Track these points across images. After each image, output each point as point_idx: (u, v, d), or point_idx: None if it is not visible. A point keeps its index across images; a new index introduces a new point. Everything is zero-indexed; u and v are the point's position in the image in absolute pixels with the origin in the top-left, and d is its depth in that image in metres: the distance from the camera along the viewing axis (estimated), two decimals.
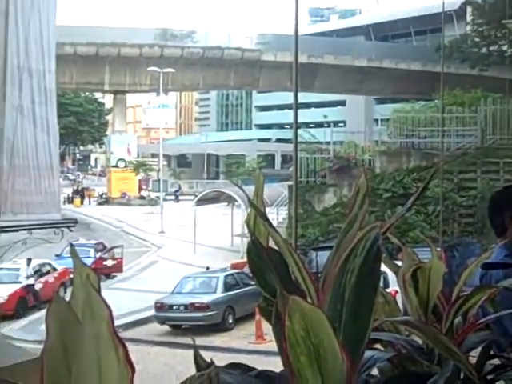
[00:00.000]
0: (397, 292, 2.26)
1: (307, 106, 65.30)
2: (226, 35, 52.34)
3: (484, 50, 38.94)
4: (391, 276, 2.30)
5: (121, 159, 55.36)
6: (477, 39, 38.99)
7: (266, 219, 1.88)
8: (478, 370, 1.89)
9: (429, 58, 46.15)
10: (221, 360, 1.85)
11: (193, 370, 1.57)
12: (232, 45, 51.30)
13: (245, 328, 18.42)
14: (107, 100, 76.15)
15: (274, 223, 25.27)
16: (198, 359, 1.64)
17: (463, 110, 27.07)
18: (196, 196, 35.54)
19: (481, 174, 24.87)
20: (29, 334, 17.32)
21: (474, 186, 24.84)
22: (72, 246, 1.65)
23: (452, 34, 44.30)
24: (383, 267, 2.33)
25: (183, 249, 31.59)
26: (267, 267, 1.87)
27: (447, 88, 27.37)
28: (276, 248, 1.83)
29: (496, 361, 2.05)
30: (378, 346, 2.02)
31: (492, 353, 2.06)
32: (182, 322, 18.68)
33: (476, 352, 2.03)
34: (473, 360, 1.98)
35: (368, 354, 1.76)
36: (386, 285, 10.32)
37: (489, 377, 1.94)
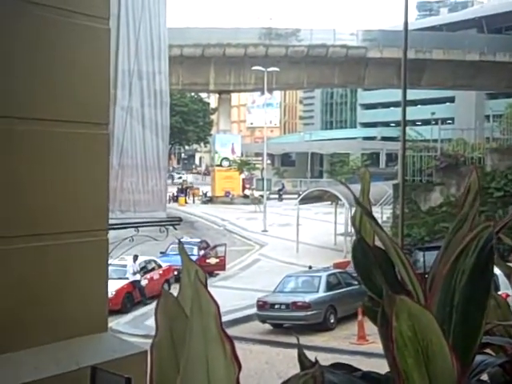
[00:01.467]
0: (508, 295, 2.18)
1: (414, 103, 64.04)
2: (330, 33, 52.10)
3: None
4: (501, 278, 2.23)
5: (225, 158, 56.14)
6: None
7: (373, 217, 1.86)
8: None
9: None
10: (322, 360, 1.84)
11: (294, 369, 1.58)
12: (337, 42, 51.01)
13: (346, 328, 18.29)
14: (212, 100, 77.50)
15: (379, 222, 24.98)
16: (302, 358, 1.64)
17: None
18: (299, 195, 35.56)
19: None
20: (135, 328, 17.87)
21: None
22: (180, 242, 1.70)
23: None
24: (494, 269, 2.27)
25: (286, 248, 31.70)
26: (372, 266, 1.85)
27: None
28: (382, 247, 1.81)
29: None
30: (488, 350, 1.96)
31: None
32: (283, 321, 18.75)
33: None
34: None
35: (478, 358, 1.71)
36: (497, 287, 10.03)
37: None
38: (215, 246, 28.13)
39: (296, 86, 60.43)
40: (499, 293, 2.61)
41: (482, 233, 1.59)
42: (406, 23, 4.02)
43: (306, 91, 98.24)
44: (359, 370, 1.81)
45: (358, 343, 16.21)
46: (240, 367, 1.19)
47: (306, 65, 51.01)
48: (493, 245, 1.57)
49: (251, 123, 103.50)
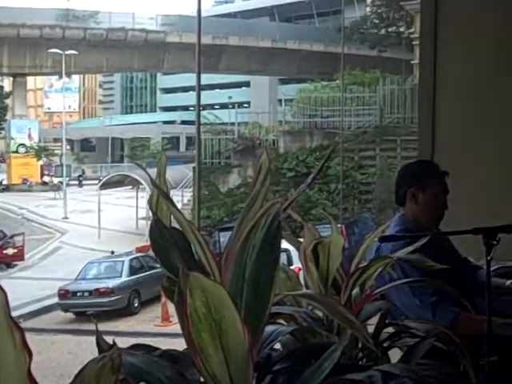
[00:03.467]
0: (300, 269, 2.30)
1: (212, 87, 65.05)
2: (129, 16, 51.31)
3: (383, 31, 39.92)
4: (295, 254, 2.34)
5: (21, 144, 53.57)
6: (376, 21, 39.92)
7: (169, 199, 1.87)
8: (375, 338, 1.96)
9: (331, 39, 46.84)
10: (126, 344, 1.83)
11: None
12: (136, 26, 50.38)
13: (151, 311, 18.31)
14: (6, 83, 73.36)
15: (179, 205, 25.16)
16: (100, 342, 1.63)
17: (363, 89, 27.69)
18: (100, 180, 34.89)
19: (379, 152, 25.57)
20: None
21: (373, 163, 25.53)
22: None
23: (353, 16, 45.12)
24: (287, 245, 2.38)
25: (87, 234, 30.99)
26: (170, 247, 1.86)
27: (348, 68, 27.95)
28: (179, 228, 1.82)
29: (392, 329, 2.14)
30: (281, 321, 2.05)
31: (388, 321, 2.14)
32: (86, 309, 18.34)
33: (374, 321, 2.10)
34: (371, 329, 2.06)
35: (271, 328, 1.79)
36: (290, 262, 10.48)
37: (385, 344, 2.02)
38: (12, 236, 26.82)
39: (95, 69, 58.95)
40: (293, 267, 2.74)
41: (270, 209, 1.65)
42: (199, 9, 4.07)
43: (105, 75, 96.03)
44: (158, 349, 1.82)
45: (162, 325, 16.28)
46: (31, 357, 1.15)
47: (105, 48, 49.87)
48: (280, 220, 1.63)
49: (49, 108, 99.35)
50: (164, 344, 1.96)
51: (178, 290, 1.65)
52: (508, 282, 3.24)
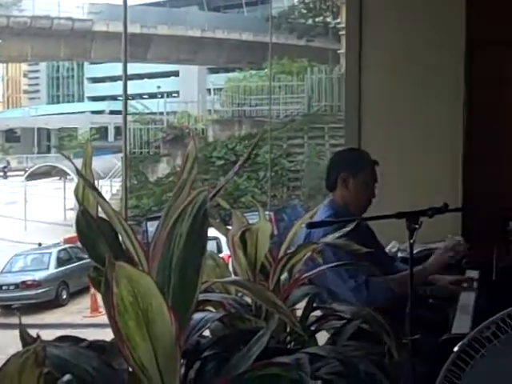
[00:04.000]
0: (229, 256, 2.31)
1: (141, 76, 64.28)
2: (54, 4, 50.04)
3: (310, 21, 40.22)
4: (224, 242, 2.34)
5: None
6: (304, 11, 40.17)
7: (95, 189, 1.84)
8: (303, 322, 1.99)
9: (259, 28, 46.84)
10: (53, 337, 1.79)
11: None
12: (62, 14, 49.20)
13: (80, 302, 18.05)
14: None
15: (108, 195, 24.85)
16: (24, 335, 1.59)
17: (291, 78, 27.89)
18: (26, 171, 34.06)
19: (307, 140, 25.82)
20: None
21: (302, 151, 25.78)
22: None
23: (281, 6, 45.28)
24: (217, 233, 2.38)
25: (13, 226, 30.21)
26: (97, 237, 1.84)
27: (276, 57, 28.09)
28: (106, 218, 1.80)
29: (320, 312, 2.17)
30: (211, 308, 2.05)
31: (315, 305, 2.17)
32: (12, 302, 17.89)
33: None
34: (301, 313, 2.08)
35: (199, 315, 1.79)
36: (220, 250, 10.49)
37: (313, 327, 2.05)
38: None
39: (19, 58, 57.26)
40: (222, 254, 2.74)
41: (197, 197, 1.65)
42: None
43: (30, 64, 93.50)
44: (85, 340, 1.79)
45: (91, 316, 16.08)
46: None
47: (29, 37, 48.49)
48: (206, 208, 1.63)
49: None
50: (94, 335, 1.94)
51: (104, 279, 1.63)
52: None
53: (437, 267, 3.08)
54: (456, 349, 2.02)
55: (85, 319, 16.14)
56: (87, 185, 1.85)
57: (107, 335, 1.80)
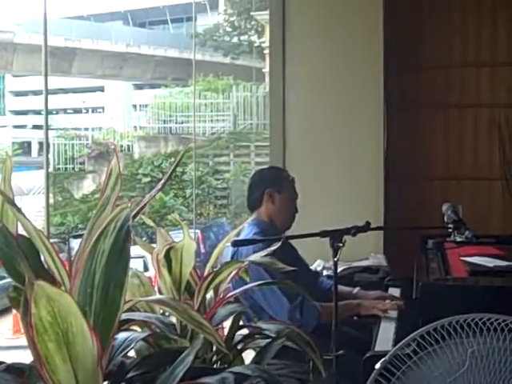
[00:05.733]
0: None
1: (65, 91, 63.18)
2: None
3: (235, 39, 40.53)
4: (151, 261, 2.31)
5: None
6: (229, 29, 40.46)
7: (15, 205, 1.78)
8: (229, 341, 1.97)
9: (185, 45, 46.88)
10: None
11: None
12: None
13: (1, 323, 17.48)
14: None
15: (33, 212, 24.24)
16: None
17: (217, 96, 27.98)
18: None
19: (233, 158, 25.93)
20: None
21: (228, 169, 25.87)
22: None
23: (206, 23, 45.47)
24: (143, 251, 2.34)
25: None
26: (17, 256, 1.78)
27: (202, 74, 28.15)
28: (27, 236, 1.75)
29: (246, 331, 2.15)
30: (136, 328, 2.01)
31: (241, 323, 2.16)
32: None
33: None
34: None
35: (123, 335, 1.75)
36: (147, 268, 10.39)
37: (239, 346, 2.03)
38: None
39: None
40: (148, 273, 2.70)
41: (120, 214, 1.62)
42: (45, 11, 3.93)
43: None
44: (3, 363, 1.73)
45: (14, 338, 15.58)
46: None
47: None
48: (129, 225, 1.60)
49: None
50: (16, 357, 1.87)
51: (23, 299, 1.57)
52: (355, 290, 3.36)
53: (368, 311, 3.06)
54: (378, 366, 2.04)
55: (7, 341, 15.61)
56: (7, 201, 1.79)
57: (30, 357, 1.74)
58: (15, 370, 1.67)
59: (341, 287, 3.21)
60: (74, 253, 1.92)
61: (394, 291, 3.33)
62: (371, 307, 3.02)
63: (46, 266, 1.72)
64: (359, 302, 3.10)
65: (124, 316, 1.62)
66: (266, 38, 27.46)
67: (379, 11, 4.66)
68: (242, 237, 3.09)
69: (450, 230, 2.86)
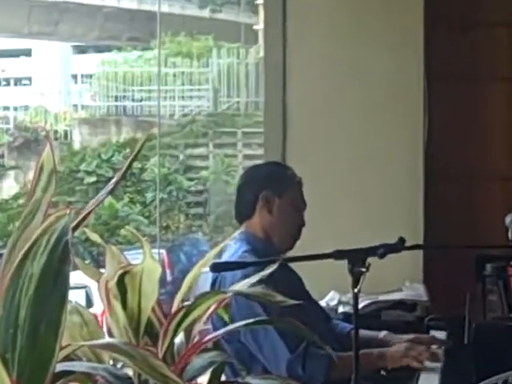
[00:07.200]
0: (104, 312, 2.28)
1: None
2: None
3: None
4: (96, 291, 2.31)
5: None
6: None
7: None
8: None
9: None
10: None
11: None
12: None
13: None
14: None
15: None
16: None
17: (191, 63, 27.97)
18: None
19: (214, 149, 25.90)
20: None
21: (206, 164, 25.84)
22: None
23: None
24: (87, 279, 2.34)
25: None
26: None
27: (170, 33, 28.16)
28: None
29: None
30: (76, 383, 2.02)
31: (225, 378, 2.16)
32: None
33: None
34: None
35: None
36: (90, 302, 10.34)
37: None
38: None
39: None
40: (93, 309, 2.71)
41: (56, 225, 1.62)
42: None
43: None
44: None
45: None
46: None
47: None
48: (68, 240, 1.60)
49: None
50: None
51: None
52: (382, 334, 3.36)
53: (398, 362, 3.07)
54: None
55: None
56: None
57: None
58: None
59: (362, 331, 3.22)
60: None
61: (438, 334, 3.34)
62: (401, 357, 3.03)
63: None
64: (383, 352, 3.10)
65: (60, 367, 1.62)
66: None
67: None
68: (225, 258, 3.09)
69: None
